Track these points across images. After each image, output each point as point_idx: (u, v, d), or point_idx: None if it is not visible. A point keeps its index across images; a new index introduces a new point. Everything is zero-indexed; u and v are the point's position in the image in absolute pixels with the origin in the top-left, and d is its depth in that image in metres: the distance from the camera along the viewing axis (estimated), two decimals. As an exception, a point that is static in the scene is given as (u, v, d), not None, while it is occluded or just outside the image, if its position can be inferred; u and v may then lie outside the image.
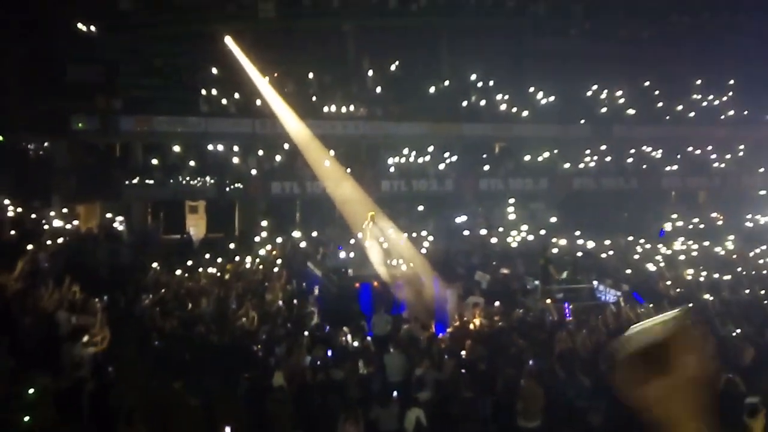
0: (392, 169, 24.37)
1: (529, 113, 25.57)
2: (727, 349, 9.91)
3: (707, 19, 27.06)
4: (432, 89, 25.83)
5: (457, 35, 26.24)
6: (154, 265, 16.14)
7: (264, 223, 22.06)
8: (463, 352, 10.54)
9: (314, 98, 23.94)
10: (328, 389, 9.13)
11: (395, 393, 9.06)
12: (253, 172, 23.16)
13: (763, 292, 14.14)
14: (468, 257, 18.68)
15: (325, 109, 23.72)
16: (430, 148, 24.67)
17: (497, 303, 12.90)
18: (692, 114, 27.21)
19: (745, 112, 27.31)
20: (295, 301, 13.49)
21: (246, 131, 23.31)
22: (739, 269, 16.46)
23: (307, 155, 22.21)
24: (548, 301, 13.47)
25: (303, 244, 19.83)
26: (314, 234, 21.11)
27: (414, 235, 19.57)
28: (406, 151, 24.54)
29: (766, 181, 26.60)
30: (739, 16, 24.87)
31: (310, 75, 24.74)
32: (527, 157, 25.27)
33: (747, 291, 14.40)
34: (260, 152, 23.54)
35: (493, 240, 20.55)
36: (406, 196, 23.86)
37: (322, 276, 15.91)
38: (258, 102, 22.80)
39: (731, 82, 27.85)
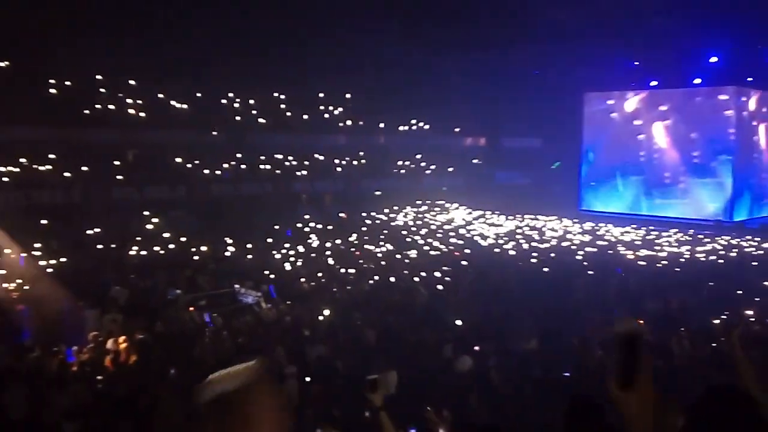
0: (4, 179, 21.29)
1: (164, 119, 24.93)
2: (351, 333, 11.13)
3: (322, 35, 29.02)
4: (53, 90, 23.31)
5: (76, 31, 23.85)
6: None
7: None
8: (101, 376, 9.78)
9: None
10: None
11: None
12: None
13: (377, 279, 16.09)
14: (102, 273, 17.33)
15: None
16: (52, 156, 22.20)
17: (137, 318, 12.28)
18: (317, 123, 29.78)
19: (361, 123, 30.94)
20: None
21: None
22: (361, 262, 18.46)
23: None
24: (191, 309, 13.33)
25: None
26: None
27: (38, 252, 17.44)
28: (22, 159, 21.67)
29: (381, 183, 30.48)
30: (347, 35, 27.27)
31: None
32: (163, 164, 24.62)
33: (371, 282, 16.23)
34: None
35: (131, 252, 19.44)
36: (24, 208, 21.04)
37: None
38: None
39: (348, 95, 31.22)
